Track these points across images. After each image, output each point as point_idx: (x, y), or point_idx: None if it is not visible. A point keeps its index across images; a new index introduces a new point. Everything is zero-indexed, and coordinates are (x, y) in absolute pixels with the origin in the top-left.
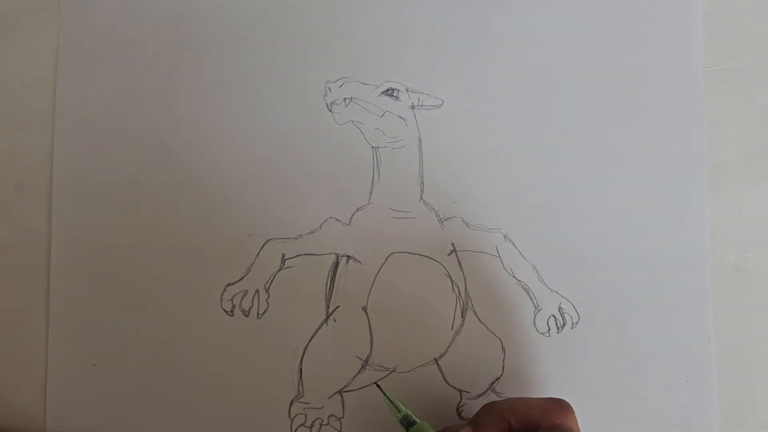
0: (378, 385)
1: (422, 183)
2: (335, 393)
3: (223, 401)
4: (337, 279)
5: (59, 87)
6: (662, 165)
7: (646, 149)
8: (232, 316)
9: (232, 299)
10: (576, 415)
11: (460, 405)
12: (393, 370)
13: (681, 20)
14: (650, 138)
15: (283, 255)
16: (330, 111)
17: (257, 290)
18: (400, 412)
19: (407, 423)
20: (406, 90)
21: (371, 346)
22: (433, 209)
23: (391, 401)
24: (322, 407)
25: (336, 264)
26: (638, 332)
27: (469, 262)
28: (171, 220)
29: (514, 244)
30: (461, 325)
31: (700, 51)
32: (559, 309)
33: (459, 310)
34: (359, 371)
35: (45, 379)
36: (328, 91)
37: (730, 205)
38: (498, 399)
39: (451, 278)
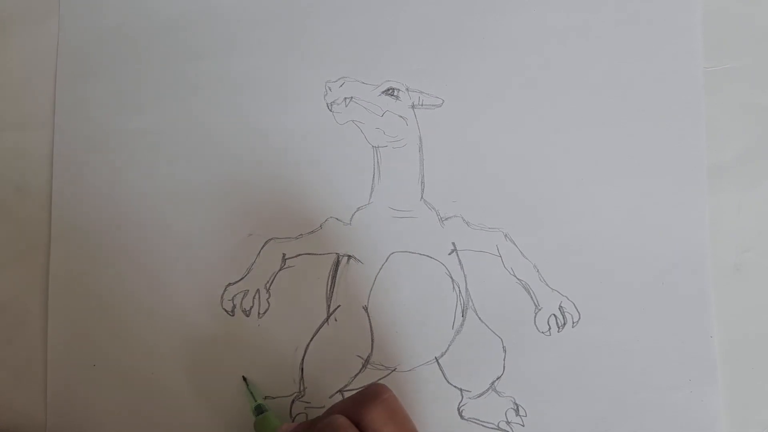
0: (244, 378)
1: (423, 182)
2: (336, 392)
3: (223, 401)
4: (337, 278)
5: (59, 87)
6: (662, 165)
7: (646, 149)
8: (233, 315)
9: (232, 299)
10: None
11: (460, 404)
12: (394, 369)
13: (681, 20)
14: (650, 138)
15: (284, 255)
16: (330, 111)
17: (258, 290)
18: (255, 401)
19: (258, 411)
20: (407, 89)
21: (372, 345)
22: (434, 208)
23: (250, 393)
24: (324, 406)
25: (337, 263)
26: (639, 331)
27: (470, 261)
28: (171, 220)
29: (514, 243)
30: (462, 325)
31: (700, 51)
32: (560, 308)
33: (460, 310)
34: (360, 370)
35: (45, 380)
36: (329, 90)
37: (730, 205)
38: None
39: (451, 277)
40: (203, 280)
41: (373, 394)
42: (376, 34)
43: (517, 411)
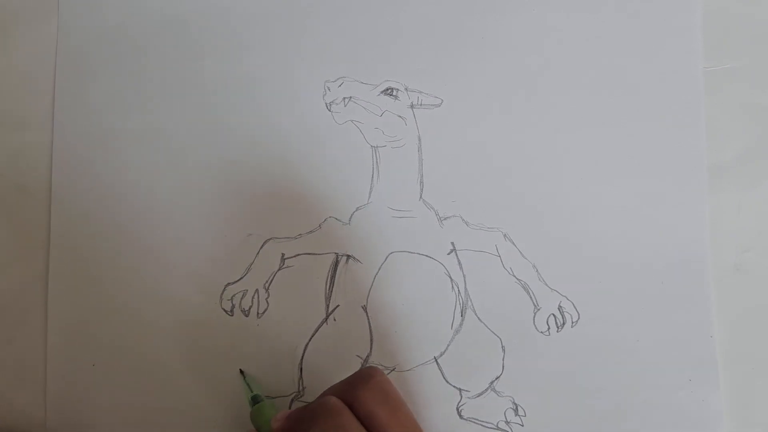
0: (241, 371)
1: (422, 182)
2: None
3: (223, 401)
4: (336, 278)
5: (59, 87)
6: (662, 165)
7: (646, 149)
8: (232, 315)
9: (231, 299)
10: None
11: (459, 404)
12: (393, 369)
13: (681, 20)
14: (650, 138)
15: (283, 254)
16: (329, 111)
17: (257, 290)
18: (252, 392)
19: (255, 402)
20: (406, 89)
21: (371, 345)
22: (433, 208)
23: (246, 384)
24: None
25: (336, 263)
26: (639, 331)
27: (469, 261)
28: (170, 220)
29: (513, 243)
30: (461, 324)
31: (700, 51)
32: (559, 308)
33: (459, 309)
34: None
35: (45, 379)
36: (328, 90)
37: (730, 205)
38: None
39: (450, 277)
40: (202, 279)
41: (365, 376)
42: (376, 34)
43: (516, 411)
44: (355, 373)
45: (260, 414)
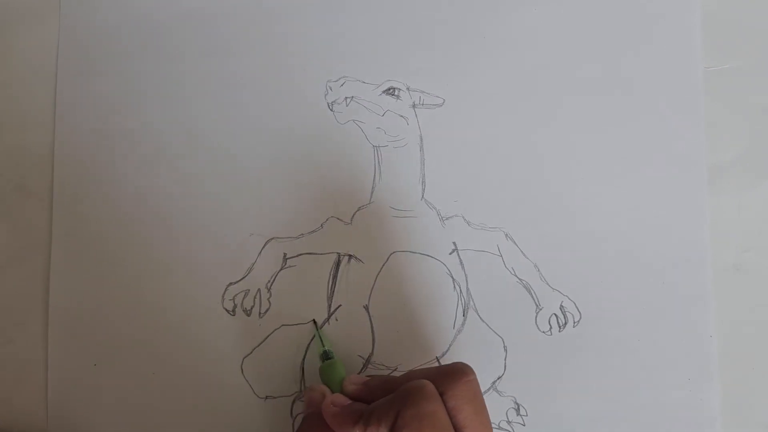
0: (314, 322)
1: (423, 182)
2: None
3: (224, 401)
4: (338, 278)
5: (59, 87)
6: (662, 165)
7: (646, 149)
8: (234, 315)
9: (233, 299)
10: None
11: None
12: (395, 369)
13: (681, 20)
14: (650, 138)
15: (285, 254)
16: (331, 110)
17: (259, 289)
18: (323, 346)
19: (326, 357)
20: (407, 89)
21: (373, 344)
22: (435, 208)
23: (320, 337)
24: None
25: (338, 263)
26: (640, 331)
27: (471, 260)
28: (172, 220)
29: (515, 242)
30: (463, 324)
31: (700, 51)
32: (561, 308)
33: (460, 309)
34: (361, 370)
35: (45, 380)
36: (329, 90)
37: (730, 205)
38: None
39: (452, 277)
40: (204, 279)
41: (460, 371)
42: (377, 33)
43: (517, 410)
44: (449, 365)
45: (331, 371)
